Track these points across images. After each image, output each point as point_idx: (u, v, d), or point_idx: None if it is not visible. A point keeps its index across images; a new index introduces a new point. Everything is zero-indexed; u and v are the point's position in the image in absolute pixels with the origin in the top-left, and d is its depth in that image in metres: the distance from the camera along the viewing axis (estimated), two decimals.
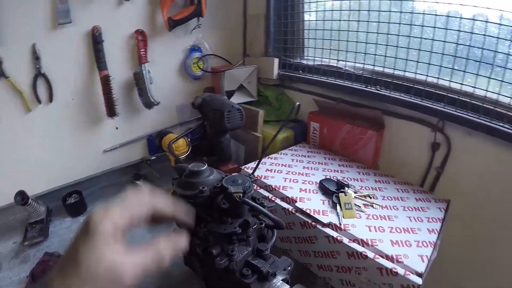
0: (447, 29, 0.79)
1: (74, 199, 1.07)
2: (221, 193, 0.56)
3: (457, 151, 0.85)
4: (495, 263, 0.83)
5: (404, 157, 0.95)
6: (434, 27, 0.81)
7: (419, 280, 0.56)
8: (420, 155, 0.91)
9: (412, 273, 0.58)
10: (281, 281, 0.58)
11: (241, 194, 0.54)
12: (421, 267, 0.58)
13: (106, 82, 1.03)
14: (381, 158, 1.00)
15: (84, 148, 1.14)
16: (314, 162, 0.97)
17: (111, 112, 1.07)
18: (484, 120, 0.76)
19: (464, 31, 0.77)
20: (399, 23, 0.88)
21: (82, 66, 1.05)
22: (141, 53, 1.09)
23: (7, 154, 1.02)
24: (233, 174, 0.60)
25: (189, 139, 0.99)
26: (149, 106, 1.13)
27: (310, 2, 1.11)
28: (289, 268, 0.61)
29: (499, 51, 0.73)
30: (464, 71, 0.79)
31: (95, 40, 1.02)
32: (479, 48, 0.75)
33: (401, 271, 0.58)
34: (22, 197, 0.96)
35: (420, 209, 0.76)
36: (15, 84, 0.96)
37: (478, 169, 0.82)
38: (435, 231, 0.68)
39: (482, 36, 0.74)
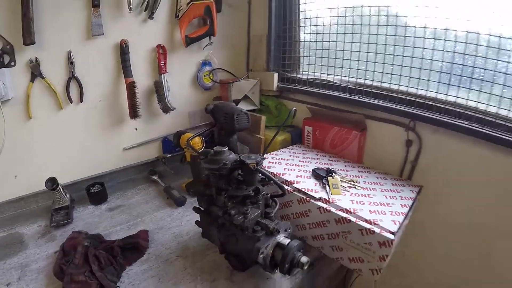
0: (414, 46, 1.00)
1: (97, 189, 1.21)
2: (240, 165, 0.73)
3: (427, 146, 1.03)
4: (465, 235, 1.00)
5: (384, 153, 1.12)
6: (403, 46, 1.02)
7: (391, 236, 0.72)
8: (397, 151, 1.09)
9: (386, 231, 0.74)
10: (283, 236, 0.74)
11: (255, 164, 0.71)
12: (394, 228, 0.75)
13: (131, 88, 1.20)
14: (365, 154, 1.17)
15: (106, 145, 1.29)
16: (308, 158, 1.14)
17: (134, 114, 1.23)
18: (446, 119, 0.95)
19: (427, 48, 0.98)
20: (376, 43, 1.08)
21: (110, 72, 1.21)
22: (161, 64, 1.28)
23: (37, 147, 1.15)
24: (247, 153, 0.78)
25: (203, 138, 1.15)
26: (166, 111, 1.31)
27: (305, 26, 1.33)
28: (289, 230, 0.78)
29: (456, 62, 0.93)
30: (428, 80, 0.99)
31: (123, 51, 1.19)
32: (439, 61, 0.96)
33: (377, 230, 0.74)
34: (52, 183, 1.07)
35: (395, 191, 0.93)
36: (51, 84, 1.10)
37: (446, 160, 1.00)
38: (407, 205, 0.85)
39: (442, 51, 0.95)
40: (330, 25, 1.22)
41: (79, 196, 1.21)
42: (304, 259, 0.70)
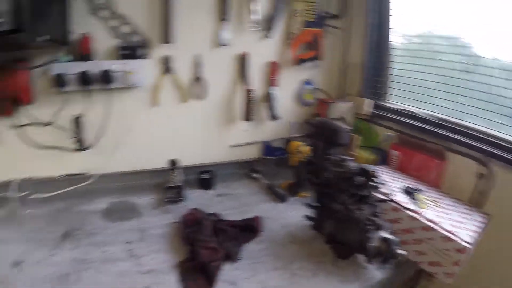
0: (491, 93, 1.21)
1: (208, 176, 1.45)
2: (363, 171, 0.99)
3: (498, 180, 1.20)
4: None
5: (459, 181, 1.31)
6: (485, 91, 1.23)
7: (467, 245, 0.96)
8: (470, 181, 1.28)
9: (463, 241, 0.97)
10: (387, 232, 0.99)
11: (374, 172, 0.97)
12: (469, 239, 0.98)
13: (249, 94, 1.47)
14: (443, 181, 1.36)
15: (217, 140, 1.54)
16: (395, 177, 1.37)
17: (248, 117, 1.50)
18: None
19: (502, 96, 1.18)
20: (458, 86, 1.30)
21: (229, 78, 1.47)
22: (273, 78, 1.54)
23: (159, 131, 1.38)
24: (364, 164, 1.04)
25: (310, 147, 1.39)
26: (274, 119, 1.57)
27: (395, 62, 1.57)
28: (390, 229, 1.02)
29: None
30: (500, 123, 1.20)
31: (243, 62, 1.45)
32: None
33: (456, 238, 0.98)
34: (173, 163, 1.30)
35: (468, 214, 1.15)
36: (178, 80, 1.35)
37: None
38: (479, 226, 1.08)
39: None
40: (418, 64, 1.45)
41: (187, 180, 1.39)
42: (401, 251, 0.95)
